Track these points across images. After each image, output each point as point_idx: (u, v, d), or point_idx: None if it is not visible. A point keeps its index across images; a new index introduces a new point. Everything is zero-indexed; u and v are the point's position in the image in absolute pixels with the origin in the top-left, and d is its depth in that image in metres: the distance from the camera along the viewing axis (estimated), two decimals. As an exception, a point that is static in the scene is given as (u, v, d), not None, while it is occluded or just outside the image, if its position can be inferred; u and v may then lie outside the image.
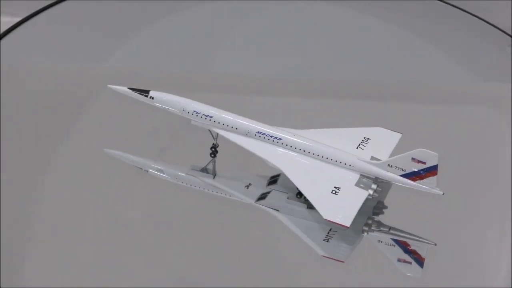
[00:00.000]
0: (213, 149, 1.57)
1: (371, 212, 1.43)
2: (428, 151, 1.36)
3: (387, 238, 1.41)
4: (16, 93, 2.03)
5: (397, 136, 1.48)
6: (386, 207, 1.42)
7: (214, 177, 1.60)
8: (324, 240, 1.38)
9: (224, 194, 1.54)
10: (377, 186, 1.39)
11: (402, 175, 1.37)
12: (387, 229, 1.42)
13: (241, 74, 2.26)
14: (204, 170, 1.59)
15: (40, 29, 2.30)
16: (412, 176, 1.40)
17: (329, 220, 1.30)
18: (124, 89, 1.55)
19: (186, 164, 1.73)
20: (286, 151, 1.44)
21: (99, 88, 2.02)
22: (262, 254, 1.48)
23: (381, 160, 1.40)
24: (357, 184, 1.37)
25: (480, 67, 2.37)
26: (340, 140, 1.45)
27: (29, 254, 1.53)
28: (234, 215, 1.59)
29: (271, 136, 1.44)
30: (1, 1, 2.49)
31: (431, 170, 1.41)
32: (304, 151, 1.43)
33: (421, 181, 1.41)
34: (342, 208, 1.33)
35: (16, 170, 1.73)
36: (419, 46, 2.44)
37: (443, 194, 1.40)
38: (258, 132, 1.46)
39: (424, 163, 1.38)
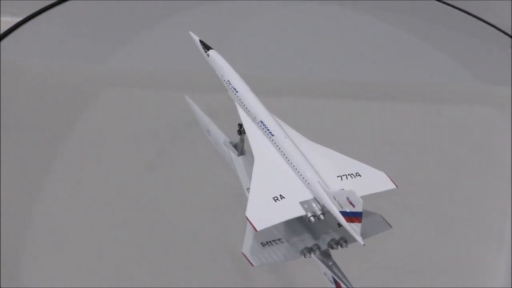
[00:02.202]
0: (240, 127, 1.57)
1: (327, 243, 1.40)
2: (356, 195, 1.25)
3: (329, 272, 1.39)
4: (16, 93, 2.03)
5: (389, 186, 1.41)
6: (346, 246, 1.37)
7: (238, 155, 1.58)
8: (262, 243, 1.38)
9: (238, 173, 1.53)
10: (322, 214, 1.34)
11: (341, 212, 1.32)
12: (329, 263, 1.39)
13: (241, 75, 2.26)
14: (234, 145, 1.59)
15: (40, 29, 2.30)
16: (345, 216, 1.29)
17: (247, 218, 1.30)
18: (197, 39, 1.61)
19: (186, 164, 1.73)
20: (271, 146, 1.45)
21: (99, 88, 2.02)
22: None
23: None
24: (302, 203, 1.35)
25: (480, 68, 2.37)
26: (328, 162, 1.43)
27: (29, 254, 1.53)
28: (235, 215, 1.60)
29: (268, 130, 1.45)
30: (1, 1, 2.49)
31: (357, 216, 1.28)
32: (283, 154, 1.43)
33: (352, 223, 1.28)
34: (268, 214, 1.30)
35: (16, 170, 1.73)
36: (419, 47, 2.44)
37: (364, 245, 1.32)
38: (261, 121, 1.47)
39: (354, 206, 1.27)
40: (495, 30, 2.43)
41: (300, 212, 1.30)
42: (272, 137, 1.44)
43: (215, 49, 1.59)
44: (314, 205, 1.31)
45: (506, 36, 2.40)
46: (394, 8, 2.59)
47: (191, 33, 1.65)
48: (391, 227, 1.40)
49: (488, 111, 2.15)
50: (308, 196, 1.33)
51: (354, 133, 1.94)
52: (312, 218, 1.30)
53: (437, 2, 2.61)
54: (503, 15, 2.61)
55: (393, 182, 1.35)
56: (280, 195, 1.33)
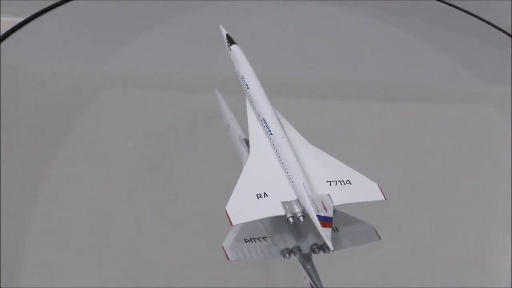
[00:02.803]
0: None
1: (309, 247, 1.39)
2: (329, 200, 1.26)
3: (307, 277, 1.39)
4: (16, 95, 2.03)
5: (378, 197, 1.40)
6: (329, 251, 1.37)
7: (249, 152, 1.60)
8: (245, 239, 1.38)
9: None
10: (302, 216, 1.34)
11: (317, 215, 1.29)
12: (308, 266, 1.38)
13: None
14: (247, 142, 1.59)
15: (39, 32, 2.30)
16: (320, 219, 1.29)
17: (226, 211, 1.31)
18: (224, 32, 1.67)
19: (187, 165, 1.73)
20: (268, 145, 1.46)
21: (99, 90, 2.03)
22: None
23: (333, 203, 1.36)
24: (284, 203, 1.35)
25: (480, 67, 2.37)
26: (321, 166, 1.43)
27: (29, 255, 1.53)
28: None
29: (268, 128, 1.47)
30: (1, 1, 2.49)
31: (328, 221, 1.27)
32: (277, 153, 1.44)
33: (324, 228, 1.28)
34: (247, 210, 1.32)
35: (18, 172, 1.73)
36: (419, 47, 2.44)
37: (332, 250, 1.30)
38: (263, 119, 1.48)
39: (326, 211, 1.28)
40: (495, 29, 2.43)
41: (280, 211, 1.30)
42: (271, 136, 1.45)
43: (238, 45, 1.63)
44: (295, 206, 1.31)
45: (506, 36, 2.40)
46: (394, 9, 2.59)
47: (220, 26, 1.68)
48: (379, 239, 1.39)
49: (488, 111, 2.15)
50: (292, 197, 1.34)
51: (353, 133, 1.94)
52: (291, 219, 1.30)
53: (437, 2, 2.61)
54: (503, 15, 2.61)
55: (383, 194, 1.34)
56: (264, 193, 1.35)
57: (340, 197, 1.33)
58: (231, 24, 2.48)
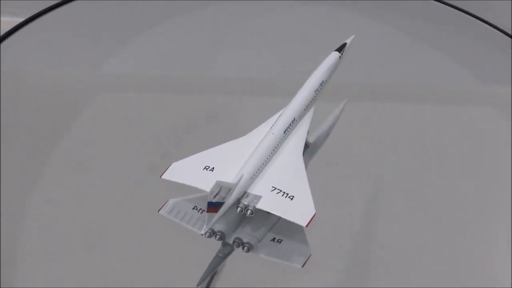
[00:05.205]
0: None
1: (233, 238, 1.39)
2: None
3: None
4: (12, 97, 2.03)
5: (301, 221, 1.38)
6: (247, 251, 1.36)
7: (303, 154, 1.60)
8: (195, 207, 1.41)
9: None
10: (215, 197, 1.32)
11: (209, 202, 1.30)
12: (219, 254, 1.40)
13: (241, 76, 2.27)
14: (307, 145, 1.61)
15: (38, 33, 2.31)
16: (211, 205, 1.31)
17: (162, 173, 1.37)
18: (336, 55, 1.70)
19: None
20: (262, 135, 1.47)
21: (96, 93, 2.03)
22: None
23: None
24: (218, 182, 1.33)
25: (480, 68, 2.37)
26: (283, 174, 1.43)
27: (29, 256, 1.53)
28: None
29: (273, 126, 1.49)
30: (1, 1, 2.49)
31: (217, 207, 1.31)
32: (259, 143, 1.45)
33: (209, 213, 1.31)
34: (184, 173, 1.37)
35: (14, 173, 1.73)
36: (419, 47, 2.44)
37: (202, 234, 1.33)
38: (282, 114, 1.52)
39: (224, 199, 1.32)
40: (495, 30, 2.43)
41: (207, 187, 1.30)
42: (271, 130, 1.47)
43: (337, 53, 1.68)
44: (223, 190, 1.32)
45: (506, 36, 2.40)
46: (394, 9, 2.59)
47: (352, 37, 1.73)
48: (301, 266, 1.36)
49: (488, 111, 2.15)
50: (232, 181, 1.35)
51: (353, 133, 1.93)
52: (238, 209, 1.33)
53: (438, 3, 2.61)
54: (503, 15, 2.61)
55: (308, 222, 1.30)
56: (213, 168, 1.38)
57: (269, 204, 1.34)
58: (231, 25, 2.49)
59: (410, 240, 1.62)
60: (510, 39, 2.39)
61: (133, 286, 1.49)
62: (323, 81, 1.64)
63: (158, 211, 1.42)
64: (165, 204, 1.42)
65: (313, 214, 1.33)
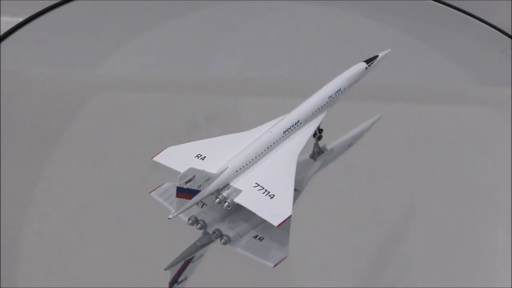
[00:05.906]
0: (316, 131, 1.63)
1: (213, 228, 1.45)
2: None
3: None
4: (10, 97, 2.03)
5: (273, 220, 1.38)
6: (224, 244, 1.43)
7: (311, 157, 1.67)
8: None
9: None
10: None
11: (179, 187, 1.34)
12: (197, 242, 1.45)
13: (241, 76, 2.27)
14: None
15: (36, 34, 2.30)
16: (182, 191, 1.35)
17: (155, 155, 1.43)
18: (363, 66, 1.71)
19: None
20: (261, 133, 1.51)
21: (95, 93, 2.03)
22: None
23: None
24: (204, 171, 1.37)
25: (480, 69, 2.37)
26: (270, 173, 1.45)
27: (28, 255, 1.53)
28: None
29: (274, 125, 1.51)
30: (1, 1, 2.49)
31: (192, 194, 1.36)
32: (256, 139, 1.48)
33: (180, 199, 1.35)
34: (176, 158, 1.43)
35: (13, 174, 1.73)
36: (419, 48, 2.44)
37: (171, 218, 1.37)
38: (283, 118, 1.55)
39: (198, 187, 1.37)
40: (495, 30, 2.43)
41: (191, 174, 1.33)
42: (269, 129, 1.51)
43: (364, 63, 1.71)
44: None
45: (506, 37, 2.40)
46: (394, 10, 2.59)
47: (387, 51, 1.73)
48: (272, 266, 1.39)
49: (489, 112, 2.15)
50: (217, 171, 1.38)
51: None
52: (217, 199, 1.38)
53: (438, 4, 2.61)
54: (503, 15, 2.61)
55: (280, 222, 1.33)
56: (205, 157, 1.43)
57: (247, 199, 1.37)
58: (231, 25, 2.49)
59: (410, 240, 1.62)
60: (510, 40, 2.39)
61: (133, 286, 1.49)
62: (340, 89, 1.63)
63: (150, 192, 1.48)
64: (159, 186, 1.49)
65: (288, 215, 1.35)
